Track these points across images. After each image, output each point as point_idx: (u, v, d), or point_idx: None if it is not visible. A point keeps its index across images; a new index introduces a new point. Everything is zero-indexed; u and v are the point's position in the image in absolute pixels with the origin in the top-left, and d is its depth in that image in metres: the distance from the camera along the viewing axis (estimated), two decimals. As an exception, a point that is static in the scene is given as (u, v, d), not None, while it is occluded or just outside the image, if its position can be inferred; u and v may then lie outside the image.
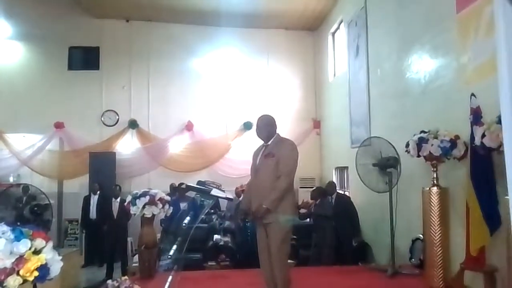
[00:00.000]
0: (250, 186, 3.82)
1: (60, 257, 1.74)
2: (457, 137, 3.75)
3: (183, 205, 6.49)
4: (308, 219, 6.44)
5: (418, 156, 3.93)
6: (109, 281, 3.25)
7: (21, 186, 7.49)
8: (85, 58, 9.64)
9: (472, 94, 3.47)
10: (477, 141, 3.10)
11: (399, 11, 5.53)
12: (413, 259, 4.91)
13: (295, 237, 6.19)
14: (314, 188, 7.06)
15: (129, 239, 7.43)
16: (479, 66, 3.73)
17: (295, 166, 3.59)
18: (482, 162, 3.30)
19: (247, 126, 9.35)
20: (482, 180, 3.35)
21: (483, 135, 3.00)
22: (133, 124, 9.36)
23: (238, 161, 8.96)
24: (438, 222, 3.90)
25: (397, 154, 4.57)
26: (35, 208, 6.19)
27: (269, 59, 9.93)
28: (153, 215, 4.20)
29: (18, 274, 1.60)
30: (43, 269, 1.63)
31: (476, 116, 3.39)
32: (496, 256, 3.41)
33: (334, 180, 8.43)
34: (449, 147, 3.72)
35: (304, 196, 8.48)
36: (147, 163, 9.27)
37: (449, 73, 4.32)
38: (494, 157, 3.22)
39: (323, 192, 6.39)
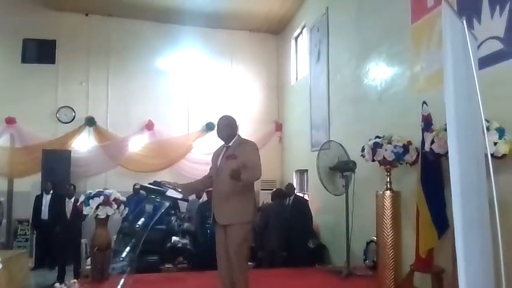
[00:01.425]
0: (212, 190, 3.79)
1: (-1, 260, 1.65)
2: (409, 142, 3.90)
3: (149, 207, 6.33)
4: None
5: (373, 160, 4.04)
6: (57, 284, 3.12)
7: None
8: (40, 51, 9.19)
9: (424, 102, 3.61)
10: (427, 147, 3.24)
11: (359, 20, 5.69)
12: (367, 261, 5.06)
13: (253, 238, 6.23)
14: (275, 189, 7.13)
15: (83, 240, 7.17)
16: (430, 75, 3.90)
17: (260, 167, 3.60)
18: (432, 168, 3.45)
19: (209, 127, 9.28)
20: (431, 185, 3.49)
21: (432, 142, 3.13)
22: (90, 122, 9.05)
23: (200, 161, 8.86)
24: (391, 225, 4.03)
25: (348, 157, 4.68)
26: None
27: (232, 60, 9.92)
28: (107, 216, 4.07)
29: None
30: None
31: (427, 123, 3.54)
32: (444, 258, 3.56)
33: (294, 182, 8.54)
34: (402, 152, 3.85)
35: (265, 198, 8.55)
36: (104, 163, 8.98)
37: (403, 81, 4.49)
38: (443, 163, 3.37)
39: (283, 193, 6.44)
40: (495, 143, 2.76)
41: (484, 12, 3.32)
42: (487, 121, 2.80)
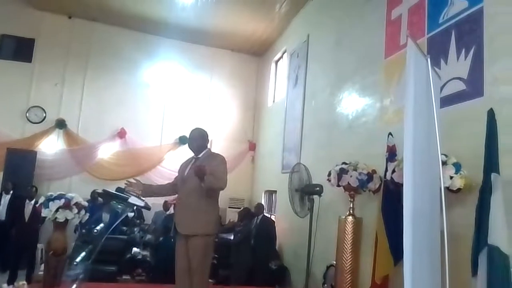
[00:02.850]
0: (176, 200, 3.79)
1: None
2: (374, 171, 4.02)
3: (105, 216, 6.22)
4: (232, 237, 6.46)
5: (338, 185, 4.14)
6: (5, 285, 3.01)
7: None
8: (17, 49, 9.01)
9: (390, 133, 3.75)
10: (388, 176, 3.36)
11: (337, 50, 5.90)
12: (325, 285, 5.09)
13: (215, 255, 6.18)
14: (242, 208, 7.13)
15: (39, 245, 6.91)
16: (398, 109, 4.07)
17: (226, 179, 3.63)
18: (392, 196, 3.55)
19: (182, 140, 9.25)
20: (391, 213, 3.58)
21: (393, 171, 3.25)
22: (60, 124, 8.87)
23: (170, 173, 8.76)
24: (350, 250, 4.11)
25: (310, 181, 4.75)
26: None
27: (212, 77, 10.02)
28: (66, 220, 3.97)
29: None
30: None
31: (392, 154, 3.67)
32: (399, 285, 3.63)
33: (263, 202, 8.55)
34: (366, 180, 3.97)
35: (232, 216, 8.53)
36: (71, 167, 8.77)
37: (373, 112, 4.65)
38: (403, 192, 3.48)
39: (250, 214, 6.47)
40: (451, 177, 2.89)
41: (451, 54, 3.52)
42: (445, 155, 2.95)
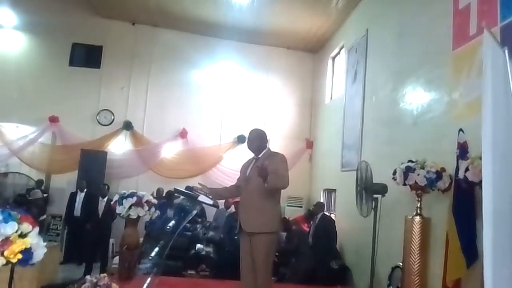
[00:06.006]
0: (240, 199, 3.88)
1: (45, 243, 1.78)
2: (443, 169, 3.84)
3: (170, 212, 6.51)
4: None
5: (404, 184, 4.00)
6: (88, 277, 3.26)
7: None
8: (87, 56, 9.70)
9: (460, 129, 3.56)
10: (461, 174, 3.19)
11: (398, 43, 5.69)
12: (391, 286, 4.95)
13: (276, 254, 6.23)
14: (308, 209, 7.12)
15: (111, 240, 7.38)
16: (469, 103, 3.85)
17: (288, 177, 3.67)
18: (465, 196, 3.38)
19: (240, 139, 9.42)
20: (463, 214, 3.42)
21: (467, 169, 3.09)
22: (127, 126, 9.40)
23: (230, 172, 8.98)
24: (418, 251, 3.97)
25: (370, 178, 4.61)
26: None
27: (268, 76, 10.09)
28: (138, 217, 4.21)
29: (2, 254, 1.64)
30: (27, 253, 1.66)
31: (463, 151, 3.48)
32: (471, 289, 3.46)
33: (322, 201, 8.47)
34: (435, 178, 3.80)
35: (290, 214, 8.55)
36: (138, 166, 9.27)
37: (440, 107, 4.44)
38: (476, 192, 3.30)
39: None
40: (533, 176, 2.69)
41: (529, 43, 3.27)
42: (525, 152, 2.76)
